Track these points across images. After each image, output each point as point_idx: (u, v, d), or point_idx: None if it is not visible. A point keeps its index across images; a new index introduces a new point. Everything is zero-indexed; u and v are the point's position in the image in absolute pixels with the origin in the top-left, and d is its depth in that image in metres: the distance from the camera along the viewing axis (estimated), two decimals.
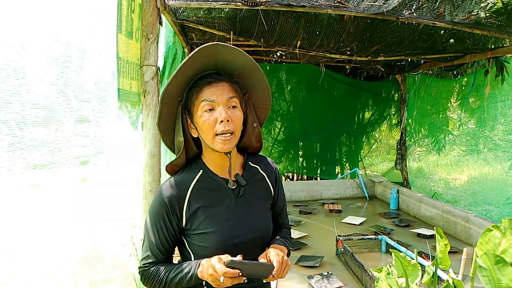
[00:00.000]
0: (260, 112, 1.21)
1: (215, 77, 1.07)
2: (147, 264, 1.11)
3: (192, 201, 1.09)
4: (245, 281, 0.97)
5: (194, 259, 1.11)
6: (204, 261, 1.03)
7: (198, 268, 1.03)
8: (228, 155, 1.10)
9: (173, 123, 1.12)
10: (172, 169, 1.15)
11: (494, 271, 1.51)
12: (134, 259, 2.20)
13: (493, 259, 1.52)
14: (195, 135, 1.11)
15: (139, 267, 1.12)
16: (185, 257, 1.16)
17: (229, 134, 1.04)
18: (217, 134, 1.04)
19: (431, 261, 1.93)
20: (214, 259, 0.98)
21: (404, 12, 3.02)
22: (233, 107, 1.07)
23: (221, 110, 1.03)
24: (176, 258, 1.20)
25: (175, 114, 1.11)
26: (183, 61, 1.01)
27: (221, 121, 1.02)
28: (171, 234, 1.10)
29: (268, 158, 1.29)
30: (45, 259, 1.53)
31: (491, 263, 1.52)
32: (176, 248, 1.19)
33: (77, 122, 1.67)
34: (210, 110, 1.04)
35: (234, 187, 1.13)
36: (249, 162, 1.22)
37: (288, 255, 1.19)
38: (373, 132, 6.92)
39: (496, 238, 1.77)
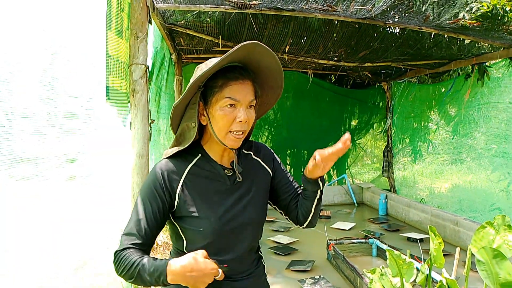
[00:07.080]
0: (261, 109, 1.23)
1: (242, 73, 1.06)
2: (127, 245, 1.00)
3: (187, 183, 1.08)
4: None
5: (187, 246, 1.09)
6: (178, 261, 0.94)
7: (167, 267, 0.94)
8: (234, 150, 1.11)
9: (184, 106, 1.11)
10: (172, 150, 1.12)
11: (492, 265, 1.49)
12: None
13: (491, 253, 1.50)
14: (203, 123, 1.10)
15: (116, 251, 1.00)
16: (178, 247, 1.13)
17: (241, 133, 1.06)
18: (230, 131, 1.05)
19: (424, 262, 1.91)
20: (199, 257, 0.94)
21: (391, 16, 3.06)
22: (251, 107, 1.08)
23: (242, 110, 1.05)
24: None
25: (189, 99, 1.09)
26: (228, 53, 0.98)
27: (240, 121, 1.04)
28: (161, 211, 1.05)
29: (258, 142, 1.29)
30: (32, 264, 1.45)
31: (489, 257, 1.50)
32: (169, 240, 1.12)
33: (64, 117, 1.62)
34: (231, 106, 1.05)
35: (230, 174, 1.13)
36: (243, 150, 1.22)
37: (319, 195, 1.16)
38: (360, 140, 6.97)
39: (490, 235, 1.76)
